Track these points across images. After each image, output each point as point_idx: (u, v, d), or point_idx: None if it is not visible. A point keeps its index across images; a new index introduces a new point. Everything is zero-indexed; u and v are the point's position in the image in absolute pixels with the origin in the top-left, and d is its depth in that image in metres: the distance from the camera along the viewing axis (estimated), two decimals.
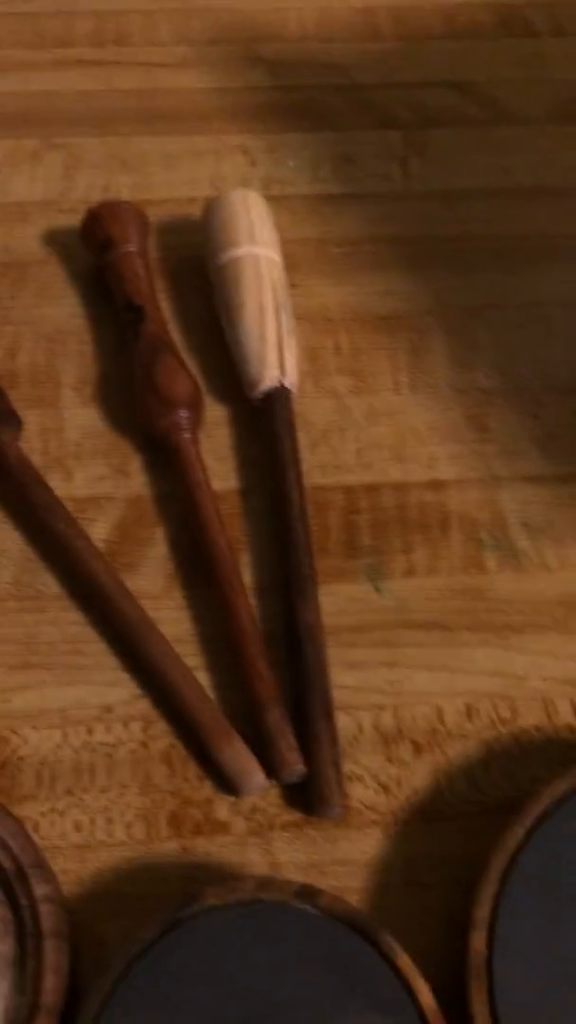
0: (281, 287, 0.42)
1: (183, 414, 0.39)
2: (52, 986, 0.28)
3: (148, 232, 0.46)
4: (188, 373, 0.40)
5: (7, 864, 0.30)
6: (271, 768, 0.32)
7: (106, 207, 0.45)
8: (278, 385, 0.40)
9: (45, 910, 0.29)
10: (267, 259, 0.42)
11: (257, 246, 0.43)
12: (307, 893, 0.28)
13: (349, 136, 0.52)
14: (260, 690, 0.33)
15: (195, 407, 0.40)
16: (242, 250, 0.42)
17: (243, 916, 0.28)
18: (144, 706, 0.35)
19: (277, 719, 0.32)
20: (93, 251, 0.45)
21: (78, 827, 0.32)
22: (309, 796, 0.32)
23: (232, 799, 0.33)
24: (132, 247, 0.44)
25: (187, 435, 0.39)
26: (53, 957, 0.28)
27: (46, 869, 0.29)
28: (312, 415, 0.42)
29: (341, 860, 0.31)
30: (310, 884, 0.28)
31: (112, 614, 0.36)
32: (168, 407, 0.39)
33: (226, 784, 0.32)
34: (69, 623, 0.37)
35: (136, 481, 0.40)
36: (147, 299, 0.42)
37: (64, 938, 0.28)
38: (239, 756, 0.32)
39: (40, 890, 0.29)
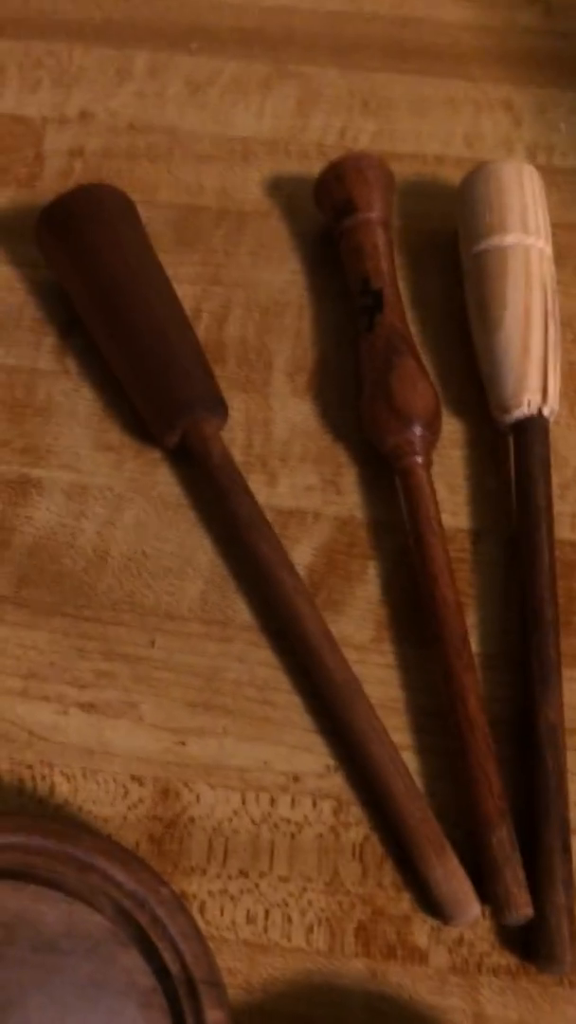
0: (552, 289, 0.35)
1: (418, 432, 0.33)
2: None
3: (394, 198, 0.39)
4: (429, 382, 0.34)
5: (174, 970, 0.25)
6: (488, 899, 0.27)
7: (351, 161, 0.38)
8: (536, 413, 0.33)
9: None
10: (539, 252, 0.35)
11: (530, 235, 0.36)
12: None
13: None
14: (486, 803, 0.28)
15: (432, 425, 0.33)
16: (511, 238, 0.35)
17: None
18: (338, 782, 0.30)
19: (505, 843, 0.27)
20: (328, 212, 0.38)
21: (251, 919, 0.28)
22: (532, 943, 0.26)
23: (434, 923, 0.28)
24: (375, 214, 0.37)
25: (420, 458, 0.33)
26: None
27: (221, 989, 0.25)
28: (565, 449, 0.35)
29: None
30: None
31: (312, 665, 0.30)
32: (402, 422, 0.33)
33: (431, 905, 0.27)
34: (259, 663, 0.31)
35: (349, 499, 0.34)
36: (388, 282, 0.36)
37: None
38: (453, 878, 0.27)
39: (212, 1015, 0.24)
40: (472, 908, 0.26)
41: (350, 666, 0.30)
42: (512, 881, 0.26)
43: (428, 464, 0.33)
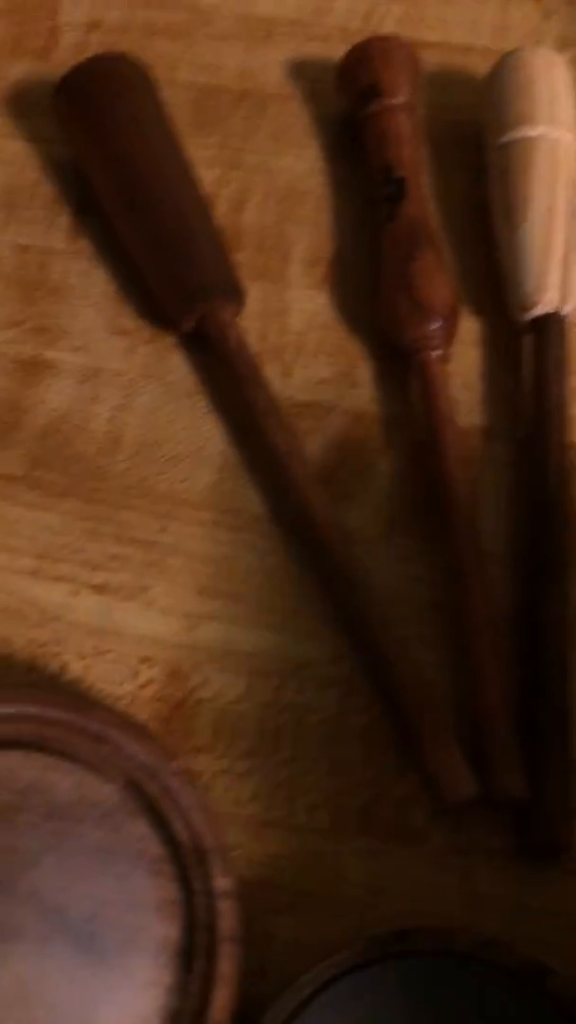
0: None
1: (437, 326, 0.33)
2: (223, 1000, 0.24)
3: (420, 85, 0.38)
4: (450, 276, 0.34)
5: (184, 839, 0.26)
6: (485, 785, 0.28)
7: (378, 44, 0.37)
8: (554, 311, 0.33)
9: (225, 907, 0.25)
10: (567, 147, 0.35)
11: (557, 127, 0.35)
12: (534, 971, 0.24)
13: None
14: (487, 696, 0.28)
15: (451, 320, 0.33)
16: (538, 130, 0.35)
17: (453, 971, 0.24)
18: (344, 670, 0.30)
19: (503, 732, 0.28)
20: (351, 97, 0.37)
21: (255, 797, 0.29)
22: (529, 828, 0.27)
23: (433, 807, 0.28)
24: (401, 99, 0.36)
25: (437, 353, 0.33)
26: (229, 966, 0.25)
27: (228, 860, 0.26)
28: None
29: (553, 910, 0.27)
30: (540, 961, 0.23)
31: (321, 556, 0.31)
32: (421, 314, 0.33)
33: (430, 787, 0.28)
34: (268, 552, 0.32)
35: (364, 393, 0.34)
36: (411, 171, 0.35)
37: (241, 944, 0.25)
38: (451, 760, 0.27)
39: (221, 883, 0.25)
40: (467, 788, 0.27)
41: (361, 561, 0.31)
42: (508, 772, 0.27)
43: (445, 359, 0.33)
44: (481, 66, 0.40)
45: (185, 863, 0.26)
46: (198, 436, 0.33)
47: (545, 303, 0.33)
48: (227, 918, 0.25)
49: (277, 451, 0.32)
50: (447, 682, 0.30)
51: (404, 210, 0.34)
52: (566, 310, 0.33)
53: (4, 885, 0.25)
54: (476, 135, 0.38)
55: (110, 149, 0.34)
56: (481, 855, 0.28)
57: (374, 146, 0.36)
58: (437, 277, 0.33)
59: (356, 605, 0.30)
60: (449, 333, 0.33)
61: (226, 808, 0.28)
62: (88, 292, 0.36)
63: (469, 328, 0.35)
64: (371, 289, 0.36)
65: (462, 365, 0.35)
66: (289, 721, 0.29)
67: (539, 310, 0.33)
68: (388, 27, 0.41)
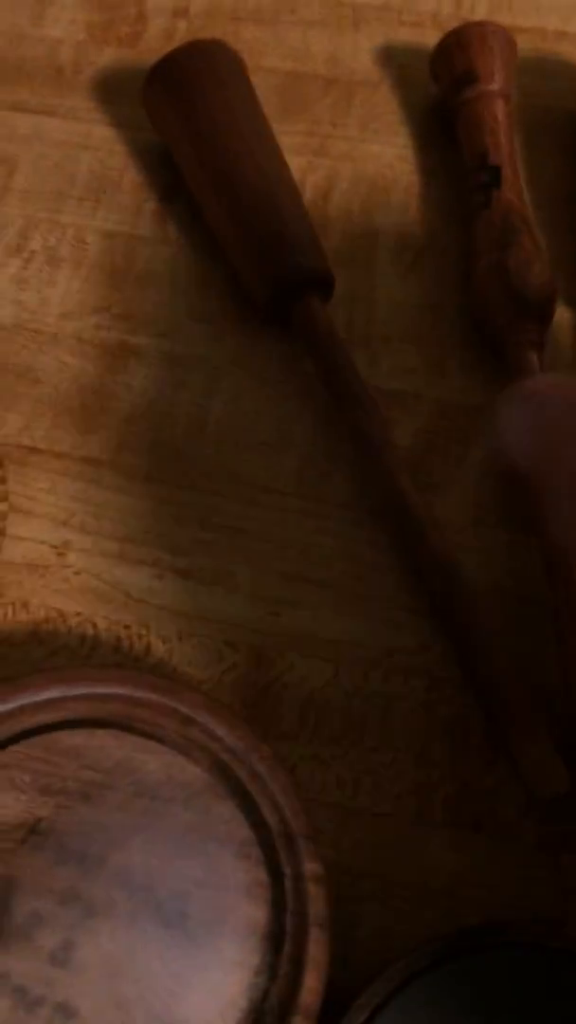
0: None
1: (532, 315, 0.32)
2: (313, 984, 0.24)
3: (515, 71, 0.37)
4: (545, 264, 0.33)
5: (273, 823, 0.26)
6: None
7: (475, 29, 0.36)
8: None
9: (314, 892, 0.25)
10: None
11: None
12: None
13: None
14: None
15: (547, 308, 0.33)
16: None
17: (556, 965, 0.23)
18: (431, 660, 0.30)
19: None
20: (445, 84, 0.37)
21: (340, 784, 0.28)
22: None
23: (522, 800, 0.28)
24: (497, 86, 0.36)
25: (532, 341, 0.32)
26: (317, 951, 0.24)
27: (317, 845, 0.26)
28: None
29: None
30: None
31: (413, 544, 0.30)
32: (516, 304, 0.32)
33: (521, 780, 0.28)
34: (355, 540, 0.32)
35: (453, 382, 0.34)
36: (506, 159, 0.35)
37: (330, 930, 0.25)
38: (544, 755, 0.27)
39: (310, 867, 0.25)
40: (559, 784, 0.27)
41: (453, 549, 0.30)
42: None
43: (539, 347, 0.33)
44: (575, 52, 0.40)
45: (274, 847, 0.26)
46: (283, 423, 0.33)
47: None
48: (316, 902, 0.25)
49: (369, 440, 0.31)
50: (539, 674, 0.30)
51: (499, 197, 0.34)
52: None
53: (94, 861, 0.25)
54: (570, 121, 0.38)
55: (200, 134, 0.34)
56: (572, 847, 0.27)
57: (469, 133, 0.36)
58: (534, 265, 0.33)
59: (448, 594, 0.30)
60: (544, 322, 0.33)
61: (311, 794, 0.28)
62: (175, 279, 0.36)
63: (563, 319, 0.35)
64: (460, 277, 0.35)
65: (554, 358, 0.34)
66: (375, 709, 0.29)
67: None
68: (480, 13, 0.41)
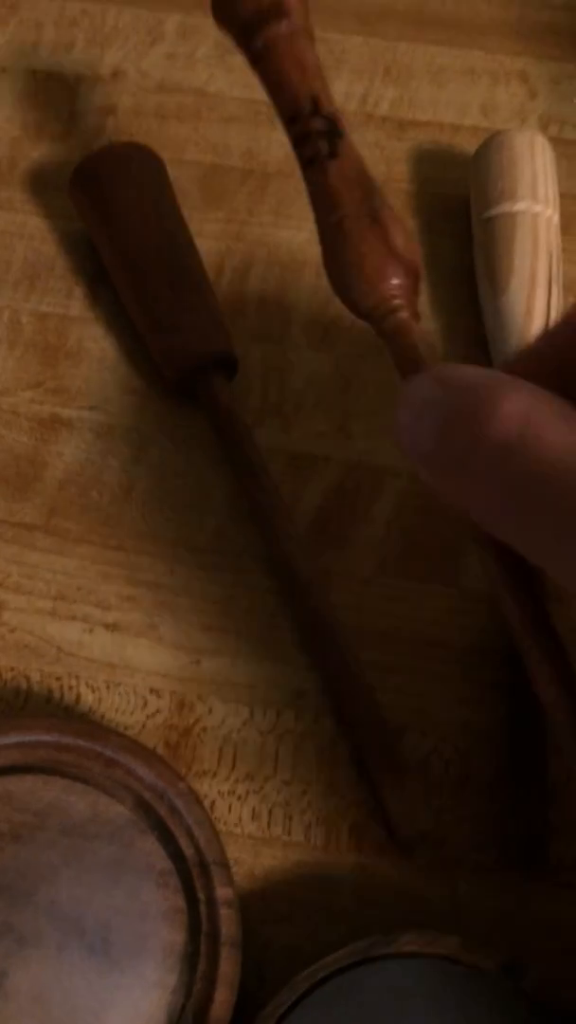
0: (557, 256, 0.38)
1: (413, 277, 0.28)
2: (224, 999, 0.26)
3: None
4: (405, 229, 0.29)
5: (189, 853, 0.28)
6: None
7: None
8: None
9: (225, 915, 0.27)
10: (547, 220, 0.38)
11: (539, 203, 0.38)
12: (513, 968, 0.26)
13: None
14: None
15: (418, 275, 0.28)
16: (520, 205, 0.38)
17: (439, 972, 0.26)
18: (337, 700, 0.33)
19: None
20: (247, 18, 0.30)
21: (255, 816, 0.31)
22: (512, 843, 0.30)
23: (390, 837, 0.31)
24: (304, 22, 0.30)
25: (414, 314, 0.28)
26: (228, 968, 0.27)
27: (229, 871, 0.28)
28: None
29: (532, 917, 0.29)
30: (519, 959, 0.26)
31: (296, 600, 0.33)
32: (399, 264, 0.28)
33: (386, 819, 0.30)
34: (268, 591, 0.34)
35: (358, 445, 0.37)
36: (337, 110, 0.30)
37: (240, 948, 0.27)
38: (406, 801, 0.30)
39: (222, 892, 0.28)
40: (421, 823, 0.29)
41: (331, 606, 0.33)
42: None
43: (417, 318, 0.28)
44: (470, 143, 0.44)
45: (190, 874, 0.28)
46: (203, 485, 0.36)
47: None
48: (228, 924, 0.27)
49: (260, 507, 0.34)
50: (433, 709, 0.32)
51: (345, 147, 0.29)
52: None
53: (24, 896, 0.28)
54: (464, 208, 0.41)
55: (115, 230, 0.38)
56: (464, 869, 0.30)
57: (287, 75, 0.30)
58: (405, 226, 0.28)
59: (322, 645, 0.32)
60: (417, 291, 0.28)
61: (228, 827, 0.31)
62: (103, 355, 0.39)
63: None
64: (365, 348, 0.39)
65: None
66: (287, 746, 0.32)
67: None
68: (383, 109, 0.45)
